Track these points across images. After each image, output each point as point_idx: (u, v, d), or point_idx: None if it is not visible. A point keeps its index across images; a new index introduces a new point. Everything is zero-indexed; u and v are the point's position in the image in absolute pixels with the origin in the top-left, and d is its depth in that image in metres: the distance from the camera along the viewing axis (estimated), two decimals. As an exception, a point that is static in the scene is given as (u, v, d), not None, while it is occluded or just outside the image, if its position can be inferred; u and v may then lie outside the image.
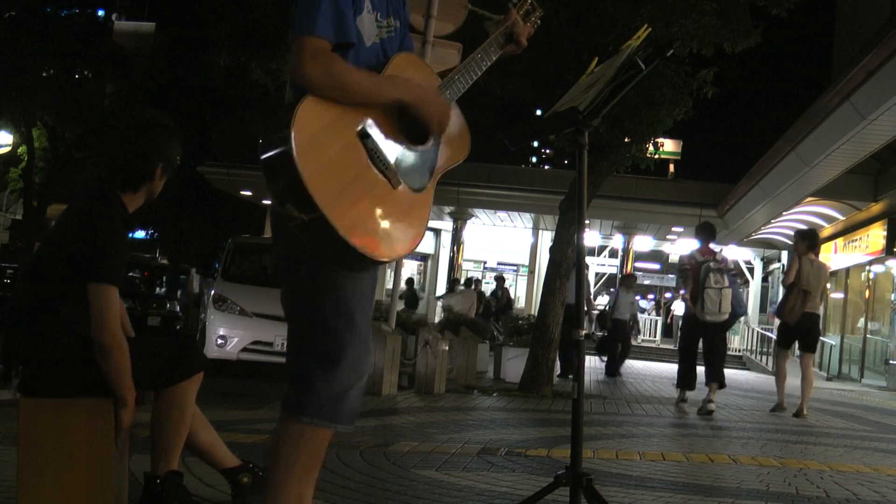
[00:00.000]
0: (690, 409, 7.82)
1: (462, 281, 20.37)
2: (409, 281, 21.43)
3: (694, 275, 7.81)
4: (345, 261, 2.04)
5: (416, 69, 2.23)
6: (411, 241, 2.11)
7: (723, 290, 7.66)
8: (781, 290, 7.37)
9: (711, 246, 8.12)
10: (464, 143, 2.31)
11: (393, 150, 2.08)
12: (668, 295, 35.88)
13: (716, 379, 7.67)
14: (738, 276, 7.76)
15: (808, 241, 8.10)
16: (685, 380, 8.10)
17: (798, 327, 7.94)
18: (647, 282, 39.88)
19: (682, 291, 20.36)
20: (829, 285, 8.49)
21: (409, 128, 2.12)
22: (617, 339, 13.30)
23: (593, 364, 14.27)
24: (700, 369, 8.03)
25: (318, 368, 2.12)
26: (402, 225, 2.08)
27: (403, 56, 2.22)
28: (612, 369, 12.91)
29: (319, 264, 2.09)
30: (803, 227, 21.06)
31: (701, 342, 8.03)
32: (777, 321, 8.48)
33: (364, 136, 2.03)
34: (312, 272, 2.12)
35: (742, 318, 22.84)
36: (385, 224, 2.04)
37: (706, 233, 8.08)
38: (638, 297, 38.75)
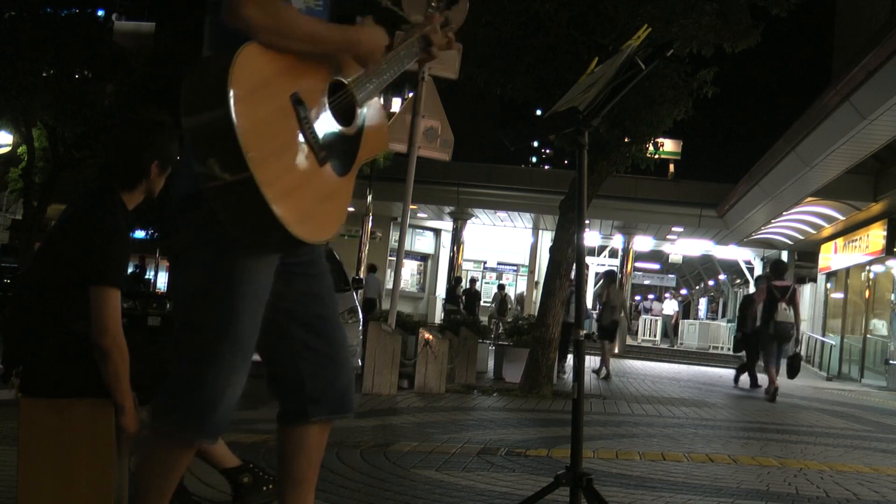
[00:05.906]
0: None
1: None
2: (501, 286, 21.10)
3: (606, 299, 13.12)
4: (258, 236, 1.86)
5: None
6: (332, 226, 1.94)
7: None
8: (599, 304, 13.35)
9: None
10: (383, 137, 2.18)
11: (322, 125, 1.92)
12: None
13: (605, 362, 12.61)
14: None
15: (610, 277, 13.78)
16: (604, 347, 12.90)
17: (607, 328, 12.97)
18: (647, 282, 39.94)
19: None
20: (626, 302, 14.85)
21: (339, 106, 1.98)
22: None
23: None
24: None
25: (189, 371, 1.98)
26: (325, 207, 1.92)
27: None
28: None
29: (217, 253, 1.93)
30: (802, 227, 21.23)
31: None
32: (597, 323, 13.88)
33: (297, 101, 1.87)
34: (206, 263, 1.95)
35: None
36: (309, 202, 1.86)
37: (611, 278, 13.54)
38: (638, 298, 38.84)
